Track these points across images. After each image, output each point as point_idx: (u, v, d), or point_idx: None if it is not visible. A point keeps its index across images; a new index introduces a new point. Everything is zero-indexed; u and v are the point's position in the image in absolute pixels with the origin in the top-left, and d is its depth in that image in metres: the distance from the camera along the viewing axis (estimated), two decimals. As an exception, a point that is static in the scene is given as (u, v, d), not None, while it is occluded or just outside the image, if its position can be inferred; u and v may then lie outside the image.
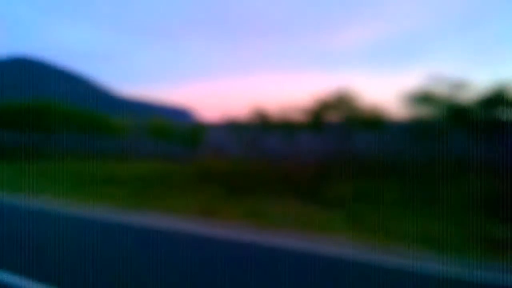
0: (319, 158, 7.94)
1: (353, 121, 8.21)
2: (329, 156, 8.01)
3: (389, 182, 6.46)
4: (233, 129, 9.93)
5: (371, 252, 3.96)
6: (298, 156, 8.37)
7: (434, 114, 7.32)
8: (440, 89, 7.21)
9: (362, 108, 8.16)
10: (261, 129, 9.40)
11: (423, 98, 7.41)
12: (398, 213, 5.51)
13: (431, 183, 6.11)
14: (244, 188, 7.26)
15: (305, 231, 4.84)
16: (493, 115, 6.72)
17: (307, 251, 3.96)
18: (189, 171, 8.75)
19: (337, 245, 4.25)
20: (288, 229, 4.93)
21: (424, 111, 7.44)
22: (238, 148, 9.55)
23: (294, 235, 4.65)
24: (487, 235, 4.44)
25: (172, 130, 11.68)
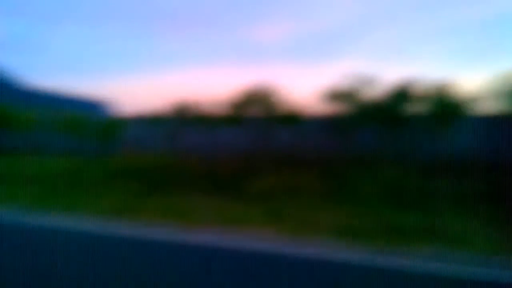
0: (242, 153, 8.04)
1: (274, 116, 8.45)
2: (252, 150, 8.15)
3: (309, 175, 6.72)
4: (154, 123, 9.59)
5: (291, 245, 4.02)
6: (220, 151, 8.39)
7: (348, 110, 7.78)
8: (355, 86, 7.66)
9: (282, 103, 8.41)
10: (182, 124, 9.21)
11: (339, 94, 7.85)
12: (318, 205, 5.73)
13: (347, 176, 6.45)
14: (164, 185, 7.03)
15: (226, 227, 4.79)
16: (403, 110, 7.33)
17: (225, 246, 3.89)
18: (104, 168, 8.25)
19: (259, 239, 4.26)
20: (209, 226, 4.84)
21: (340, 107, 7.87)
22: (159, 143, 9.26)
23: (215, 232, 4.57)
24: (399, 224, 4.77)
25: (87, 124, 10.83)
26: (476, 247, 4.03)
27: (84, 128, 10.89)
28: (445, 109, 6.76)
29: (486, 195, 5.34)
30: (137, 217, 5.34)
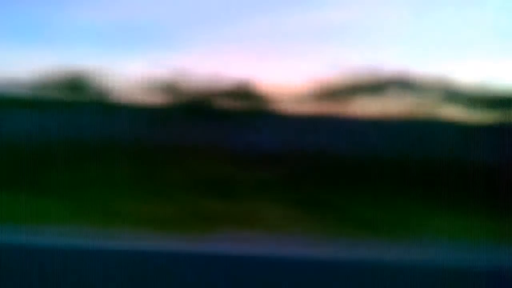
0: (43, 142, 7.00)
1: (87, 102, 7.73)
2: (57, 139, 7.18)
3: (121, 166, 6.40)
4: None
5: (94, 238, 3.81)
6: (17, 140, 7.05)
7: (168, 101, 7.77)
8: (175, 79, 7.69)
9: (98, 90, 7.78)
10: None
11: (159, 86, 7.74)
12: (129, 197, 5.50)
13: (161, 167, 6.43)
14: None
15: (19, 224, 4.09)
16: (220, 104, 7.72)
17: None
18: None
19: (56, 234, 3.87)
20: None
21: (159, 99, 7.79)
22: None
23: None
24: (211, 211, 4.99)
25: None
26: (284, 229, 4.54)
27: None
28: (258, 106, 7.52)
29: (290, 183, 6.06)
30: None
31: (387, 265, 3.30)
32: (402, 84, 6.77)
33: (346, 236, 4.34)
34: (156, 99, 7.82)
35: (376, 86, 6.80)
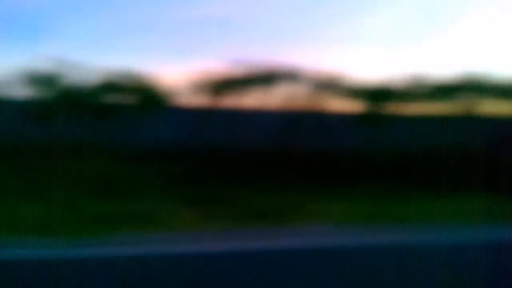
0: None
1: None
2: None
3: None
4: None
5: None
6: None
7: (48, 96, 7.15)
8: (56, 71, 7.14)
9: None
10: None
11: (38, 79, 7.10)
12: (6, 201, 4.87)
13: (45, 167, 5.92)
14: None
15: None
16: (109, 99, 7.31)
17: None
18: None
19: None
20: None
21: (39, 93, 7.10)
22: None
23: None
24: (103, 213, 4.71)
25: None
26: (181, 226, 4.46)
27: None
28: (149, 100, 7.29)
29: (188, 179, 5.97)
30: None
31: (287, 252, 3.44)
32: (290, 77, 7.02)
33: (245, 228, 4.41)
34: (36, 93, 7.18)
35: (265, 79, 6.97)
